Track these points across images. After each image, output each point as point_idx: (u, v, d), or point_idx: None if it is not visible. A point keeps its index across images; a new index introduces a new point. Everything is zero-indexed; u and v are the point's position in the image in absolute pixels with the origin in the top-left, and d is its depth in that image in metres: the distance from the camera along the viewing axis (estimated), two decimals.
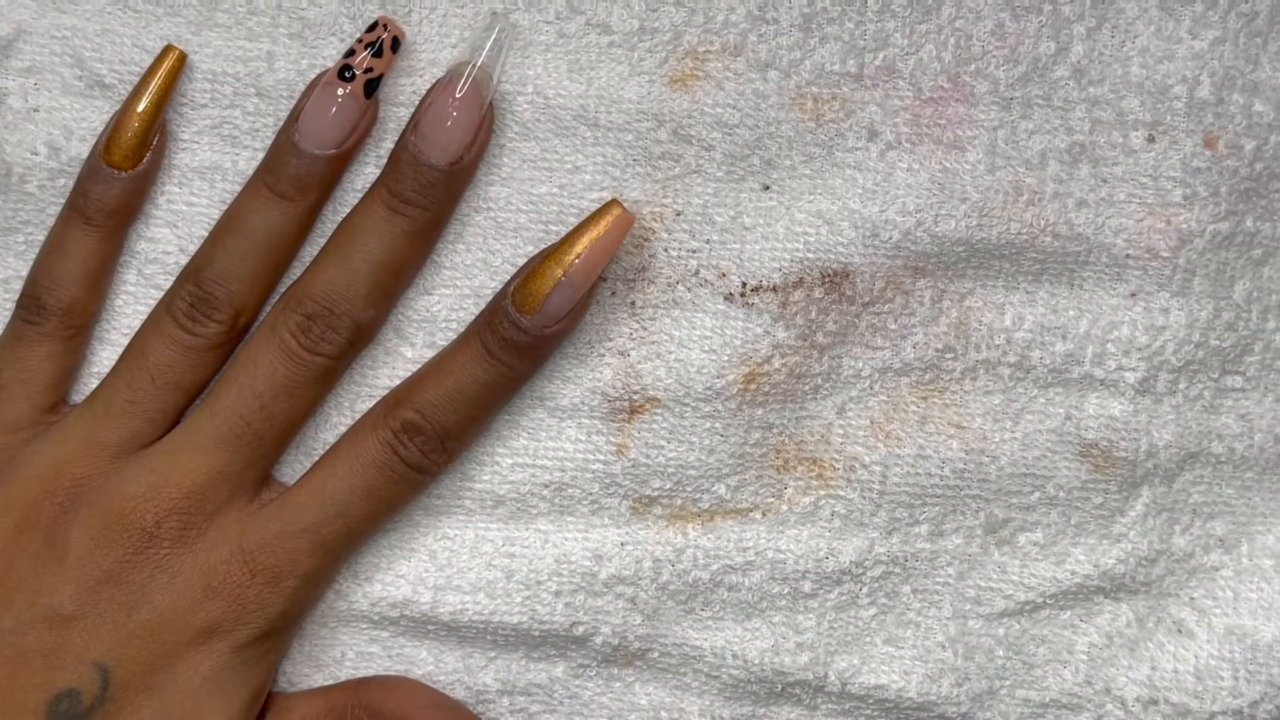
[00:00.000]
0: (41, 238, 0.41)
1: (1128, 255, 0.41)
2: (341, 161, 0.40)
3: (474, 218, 0.41)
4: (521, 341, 0.39)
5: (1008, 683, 0.42)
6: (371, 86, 0.39)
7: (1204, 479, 0.42)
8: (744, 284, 0.41)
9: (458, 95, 0.38)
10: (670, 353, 0.41)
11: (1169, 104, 0.41)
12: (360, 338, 0.39)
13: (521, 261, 0.41)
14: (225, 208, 0.40)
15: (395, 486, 0.39)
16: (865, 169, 0.41)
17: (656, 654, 0.42)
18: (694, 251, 0.41)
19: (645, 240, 0.41)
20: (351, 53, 0.39)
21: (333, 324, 0.39)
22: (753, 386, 0.41)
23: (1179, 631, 0.42)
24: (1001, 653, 0.42)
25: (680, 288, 0.41)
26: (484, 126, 0.39)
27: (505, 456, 0.42)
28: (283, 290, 0.40)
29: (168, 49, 0.39)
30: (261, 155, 0.41)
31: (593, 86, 0.41)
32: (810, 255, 0.41)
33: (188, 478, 0.38)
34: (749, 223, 0.41)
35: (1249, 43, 0.41)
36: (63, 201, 0.41)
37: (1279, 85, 0.41)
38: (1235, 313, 0.41)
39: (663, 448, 0.41)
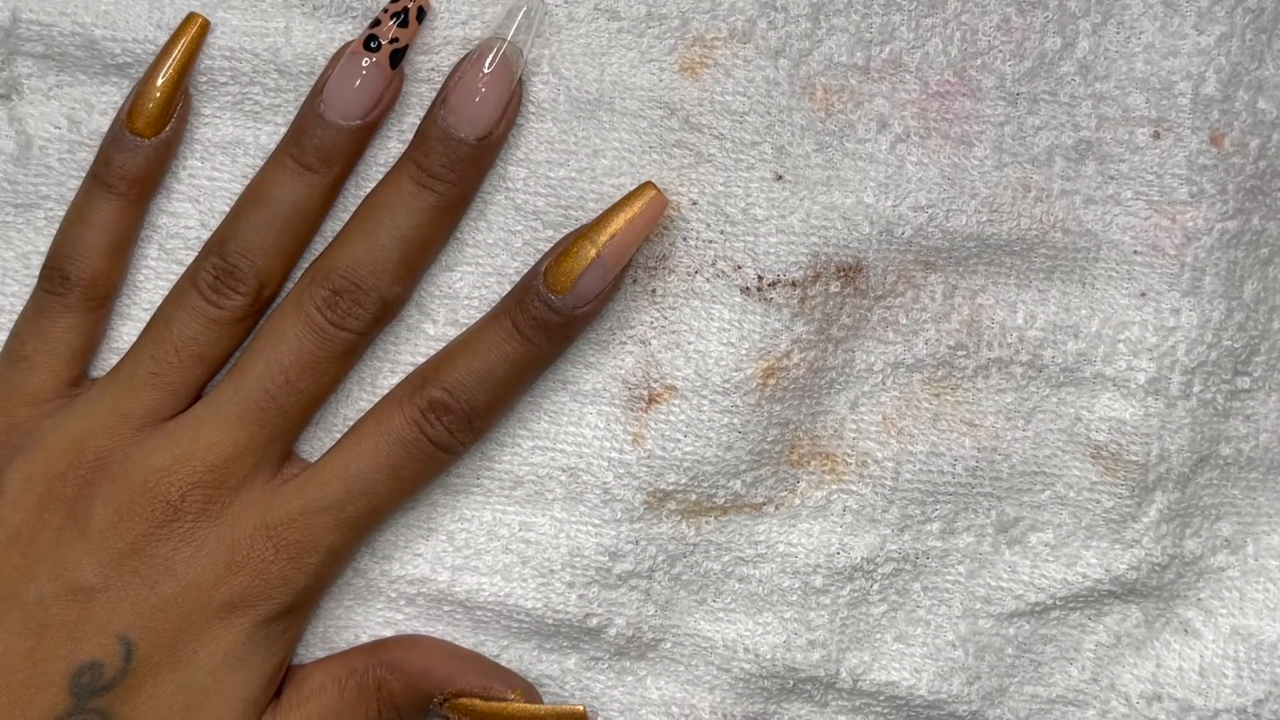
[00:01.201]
0: (61, 213, 0.41)
1: (1135, 253, 0.41)
2: (366, 133, 0.39)
3: (494, 197, 0.41)
4: (552, 321, 0.38)
5: (1016, 680, 0.42)
6: (397, 57, 0.39)
7: (1213, 481, 0.42)
8: (760, 277, 0.40)
9: (487, 70, 0.38)
10: (689, 343, 0.41)
11: (1174, 100, 0.41)
12: (386, 313, 0.39)
13: (541, 243, 0.41)
14: (248, 182, 0.40)
15: (420, 465, 0.39)
16: (876, 161, 0.40)
17: (669, 644, 0.42)
18: (710, 242, 0.41)
19: (665, 228, 0.41)
20: (377, 22, 0.39)
21: (359, 299, 0.38)
22: (771, 382, 0.41)
23: (1185, 631, 0.43)
24: (1011, 652, 0.42)
25: (699, 278, 0.41)
26: (513, 102, 0.39)
27: (526, 439, 0.41)
28: (307, 264, 0.40)
29: (191, 17, 0.39)
30: (283, 130, 0.40)
31: (606, 72, 0.40)
32: (827, 250, 0.40)
33: (212, 451, 0.38)
34: (761, 214, 0.40)
35: (1255, 39, 0.41)
36: (84, 175, 0.40)
37: None
38: (1245, 313, 0.41)
39: (679, 441, 0.41)
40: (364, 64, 0.38)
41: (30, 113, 0.41)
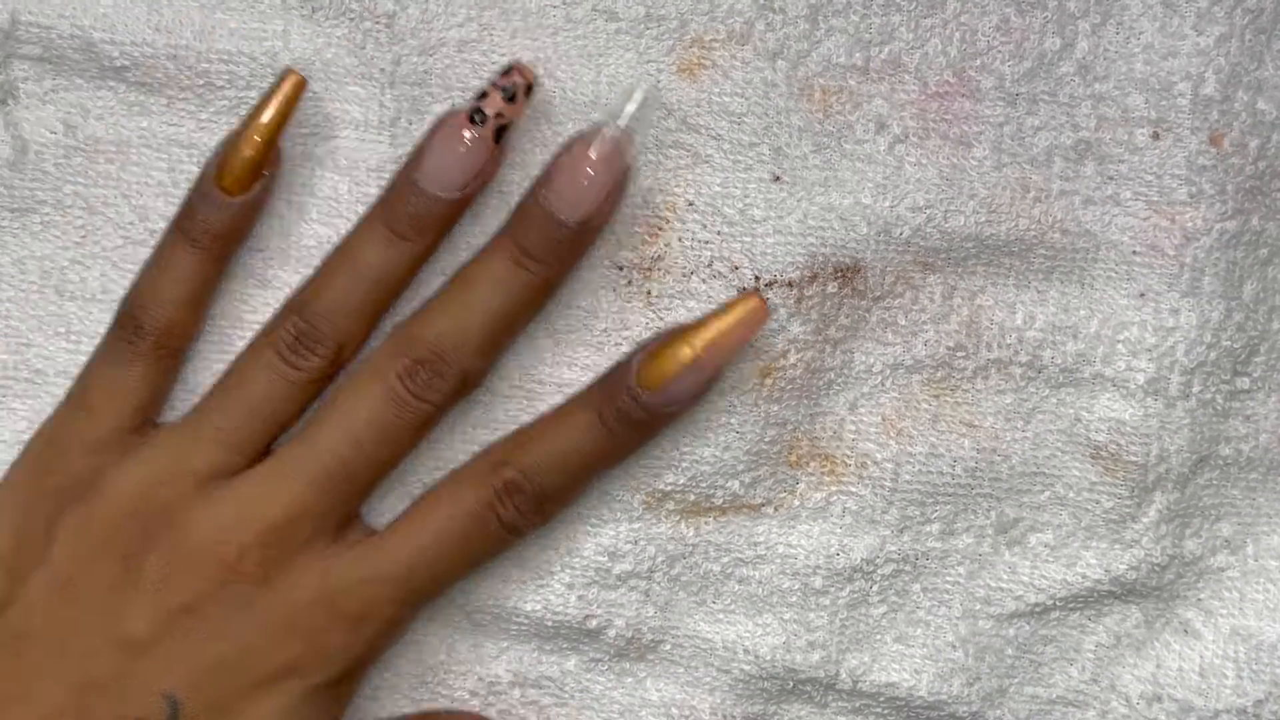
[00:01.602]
0: (58, 218, 0.41)
1: (1135, 253, 0.41)
2: (462, 205, 0.39)
3: (489, 200, 0.41)
4: (639, 417, 0.38)
5: (1016, 681, 0.42)
6: (501, 132, 0.38)
7: (1212, 482, 0.42)
8: (757, 278, 0.40)
9: (595, 155, 0.37)
10: None
11: (1173, 101, 0.40)
12: (466, 386, 0.39)
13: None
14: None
15: (486, 543, 0.38)
16: (875, 162, 0.40)
17: (669, 646, 0.42)
18: (706, 243, 0.41)
19: (660, 230, 0.41)
20: (484, 95, 0.38)
21: (441, 371, 0.38)
22: (768, 382, 0.41)
23: (1185, 632, 0.42)
24: (1011, 652, 0.42)
25: (695, 279, 0.41)
26: (618, 189, 0.38)
27: None
28: (385, 326, 0.40)
29: (288, 74, 0.38)
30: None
31: (603, 74, 0.40)
32: (824, 250, 0.40)
33: (273, 512, 0.37)
34: (759, 215, 0.40)
35: (1254, 39, 0.41)
36: (81, 180, 0.40)
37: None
38: (1245, 314, 0.41)
39: (677, 441, 0.41)
40: (467, 137, 0.38)
41: (26, 117, 0.41)
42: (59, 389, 0.41)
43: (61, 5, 0.40)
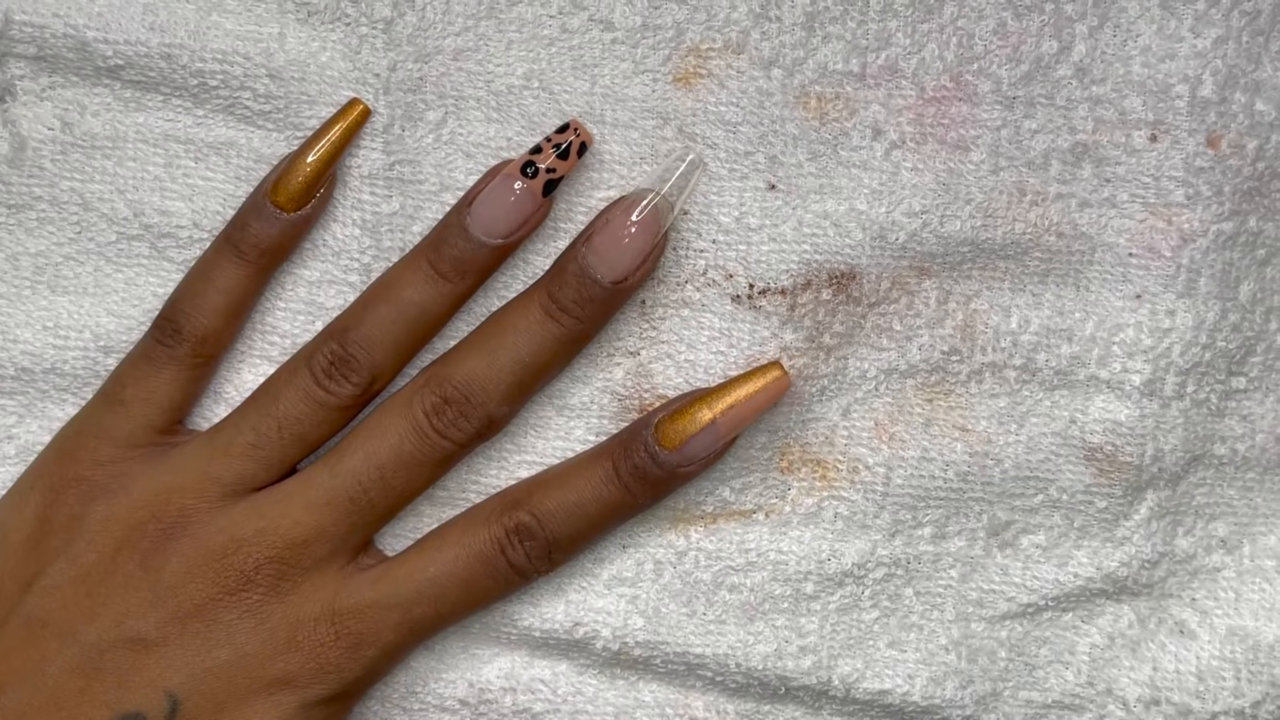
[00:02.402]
0: (53, 214, 0.41)
1: (1131, 255, 0.41)
2: (505, 251, 0.40)
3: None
4: (653, 474, 0.39)
5: (1010, 684, 0.42)
6: (550, 186, 0.39)
7: (1207, 481, 0.42)
8: (751, 285, 0.41)
9: (635, 218, 0.39)
10: (680, 353, 0.41)
11: (1171, 103, 0.40)
12: (490, 429, 0.40)
13: (530, 254, 0.41)
14: (241, 183, 0.41)
15: (492, 583, 0.39)
16: (870, 168, 0.41)
17: (659, 662, 0.42)
18: (701, 251, 0.41)
19: None
20: (538, 149, 0.39)
21: (467, 412, 0.39)
22: None
23: (1181, 632, 0.42)
24: (1004, 655, 0.42)
25: (689, 287, 0.41)
26: (654, 253, 0.39)
27: (513, 453, 0.42)
28: (420, 364, 0.41)
29: (353, 102, 0.40)
30: (276, 135, 0.41)
31: (598, 84, 0.41)
32: (818, 257, 0.41)
33: (294, 530, 0.39)
34: (754, 223, 0.41)
35: (1251, 41, 0.40)
36: (77, 176, 0.41)
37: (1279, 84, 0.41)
38: (1241, 314, 0.41)
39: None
40: (517, 187, 0.39)
41: (24, 114, 0.41)
42: (46, 385, 0.42)
43: (55, 4, 0.41)
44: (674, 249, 0.41)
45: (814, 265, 0.41)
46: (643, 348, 0.41)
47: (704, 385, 0.41)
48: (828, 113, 0.41)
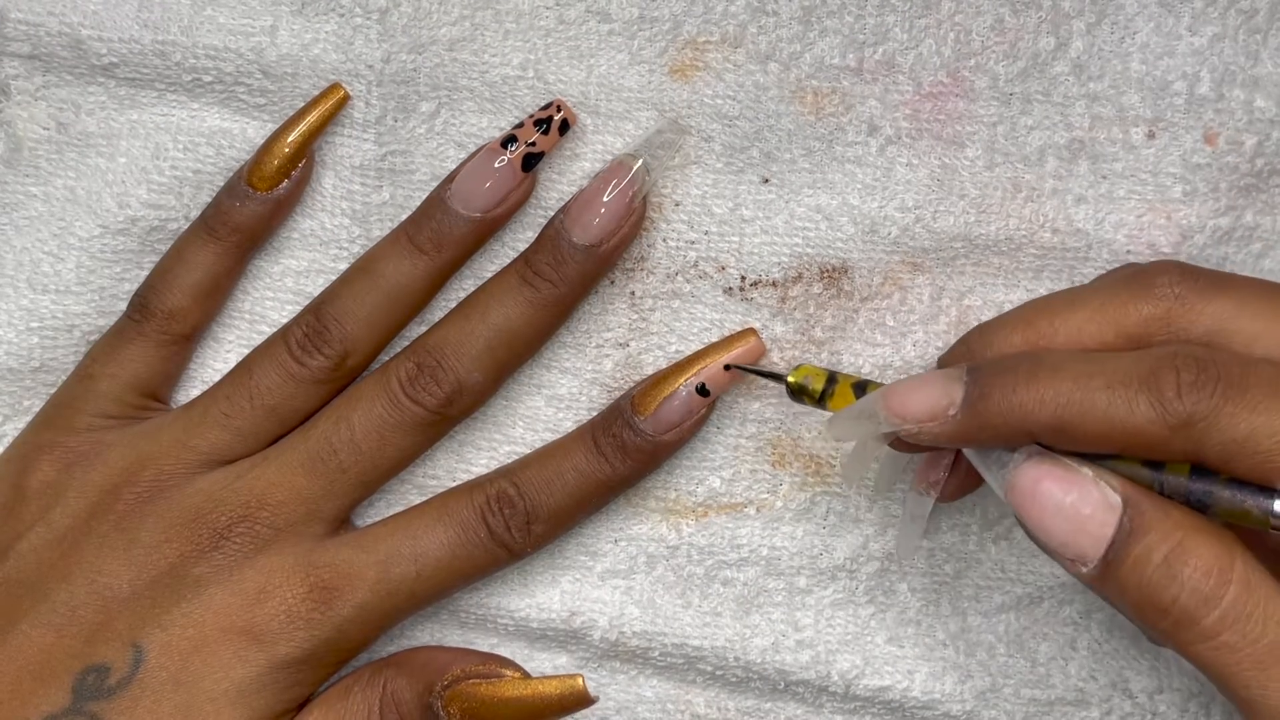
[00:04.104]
0: (44, 210, 0.41)
1: (1128, 251, 0.41)
2: (485, 227, 0.40)
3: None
4: (631, 443, 0.39)
5: (1012, 681, 0.42)
6: (530, 161, 0.40)
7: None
8: (743, 278, 0.41)
9: (615, 183, 0.39)
10: (670, 345, 0.41)
11: (1169, 100, 0.40)
12: (461, 397, 0.40)
13: (520, 244, 0.41)
14: (231, 174, 0.41)
15: (472, 552, 0.39)
16: (865, 164, 0.41)
17: (657, 654, 0.42)
18: (693, 243, 0.41)
19: (644, 230, 0.41)
20: (520, 124, 0.40)
21: (437, 376, 0.39)
22: (750, 379, 0.41)
23: None
24: (1003, 649, 0.42)
25: (680, 279, 0.41)
26: (631, 219, 0.39)
27: (503, 444, 0.42)
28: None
29: (334, 87, 0.41)
30: (271, 124, 0.41)
31: (593, 74, 0.41)
32: (810, 250, 0.41)
33: (268, 489, 0.39)
34: (748, 215, 0.41)
35: (1249, 39, 0.40)
36: (72, 178, 0.41)
37: (1279, 81, 0.41)
38: None
39: None
40: (497, 162, 0.39)
41: (19, 114, 0.41)
42: (32, 382, 0.42)
43: (50, 2, 0.41)
44: (665, 241, 0.41)
45: (805, 258, 0.41)
46: (632, 339, 0.41)
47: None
48: (824, 107, 0.41)
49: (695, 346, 0.41)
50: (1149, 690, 0.42)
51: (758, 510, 0.42)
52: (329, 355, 0.40)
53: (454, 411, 0.40)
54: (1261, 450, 0.30)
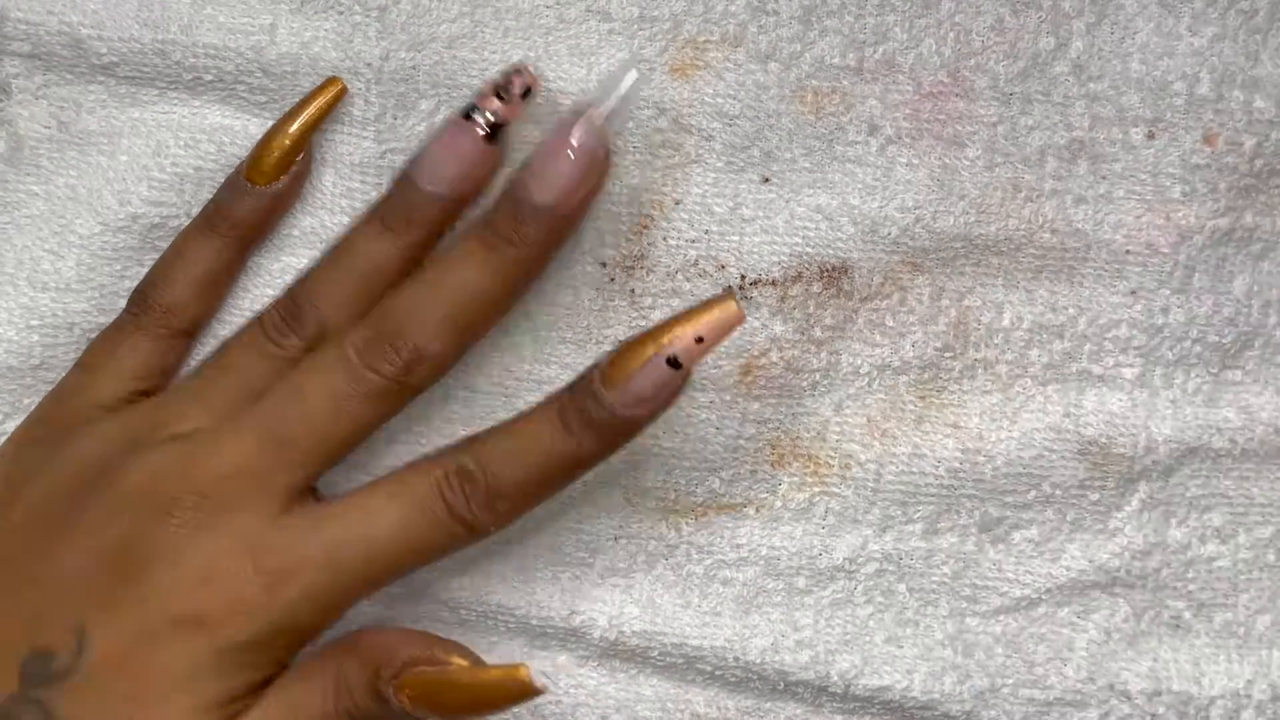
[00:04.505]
0: (45, 209, 0.41)
1: (1127, 251, 0.41)
2: (453, 204, 0.39)
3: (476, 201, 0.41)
4: (596, 416, 0.36)
5: (1010, 681, 0.42)
6: (494, 131, 0.38)
7: (1201, 472, 0.42)
8: (742, 276, 0.41)
9: (575, 139, 0.37)
10: None
11: (1169, 100, 0.40)
12: (419, 366, 0.37)
13: None
14: (231, 171, 0.41)
15: (430, 530, 0.37)
16: (865, 164, 0.41)
17: (657, 653, 0.42)
18: (693, 241, 0.41)
19: (644, 228, 0.41)
20: (481, 94, 0.38)
21: (395, 344, 0.37)
22: (749, 379, 0.41)
23: (1177, 625, 0.42)
24: (1000, 650, 0.42)
25: (679, 277, 0.41)
26: (593, 174, 0.37)
27: None
28: None
29: (331, 80, 0.40)
30: (271, 122, 0.41)
31: (593, 73, 0.41)
32: (809, 250, 0.41)
33: (213, 461, 0.37)
34: (748, 215, 0.41)
35: (1249, 39, 0.40)
36: (73, 176, 0.41)
37: (1279, 82, 0.41)
38: (1235, 308, 0.41)
39: (658, 438, 0.41)
40: (460, 135, 0.38)
41: (20, 114, 0.41)
42: (32, 380, 0.42)
43: (50, 1, 0.41)
44: (665, 239, 0.41)
45: (805, 258, 0.41)
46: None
47: (693, 375, 0.39)
48: (824, 107, 0.41)
49: None
50: (1147, 692, 0.42)
51: (757, 510, 0.42)
52: (302, 335, 0.39)
53: (413, 380, 0.38)
54: None
